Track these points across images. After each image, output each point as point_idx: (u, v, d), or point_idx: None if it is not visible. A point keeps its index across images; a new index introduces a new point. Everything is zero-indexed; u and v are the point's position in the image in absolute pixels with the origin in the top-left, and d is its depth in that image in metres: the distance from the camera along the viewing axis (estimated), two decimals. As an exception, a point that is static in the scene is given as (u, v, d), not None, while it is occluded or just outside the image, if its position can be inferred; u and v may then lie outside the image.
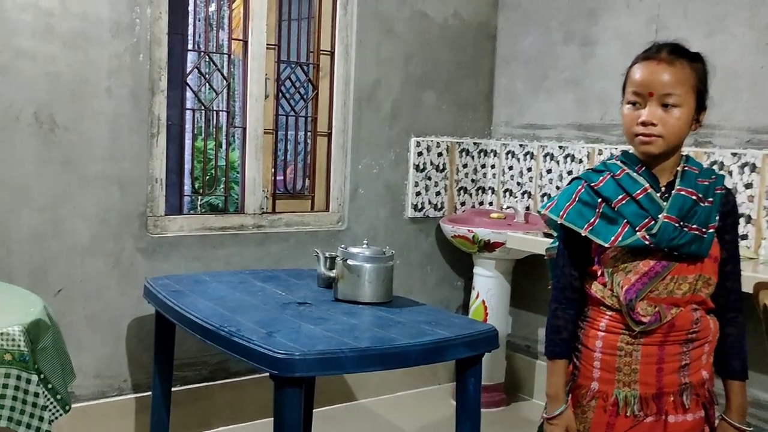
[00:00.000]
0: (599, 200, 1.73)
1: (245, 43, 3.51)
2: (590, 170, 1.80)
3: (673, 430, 1.69)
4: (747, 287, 2.29)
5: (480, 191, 4.19)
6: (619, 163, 1.76)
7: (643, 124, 1.65)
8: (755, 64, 3.01)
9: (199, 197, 5.94)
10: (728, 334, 1.76)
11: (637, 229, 1.68)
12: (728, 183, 1.82)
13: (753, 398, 2.80)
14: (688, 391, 1.71)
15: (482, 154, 4.17)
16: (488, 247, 3.64)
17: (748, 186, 3.03)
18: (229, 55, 3.94)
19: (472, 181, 4.15)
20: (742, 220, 3.00)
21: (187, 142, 4.81)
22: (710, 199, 1.71)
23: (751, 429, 1.77)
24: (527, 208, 3.90)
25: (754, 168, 3.01)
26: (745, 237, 3.01)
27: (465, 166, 4.11)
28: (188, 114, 4.69)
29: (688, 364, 1.70)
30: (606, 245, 1.69)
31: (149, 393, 3.01)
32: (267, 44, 3.55)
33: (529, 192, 3.97)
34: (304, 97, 3.87)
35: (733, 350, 1.77)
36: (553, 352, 1.80)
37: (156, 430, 2.92)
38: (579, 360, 1.78)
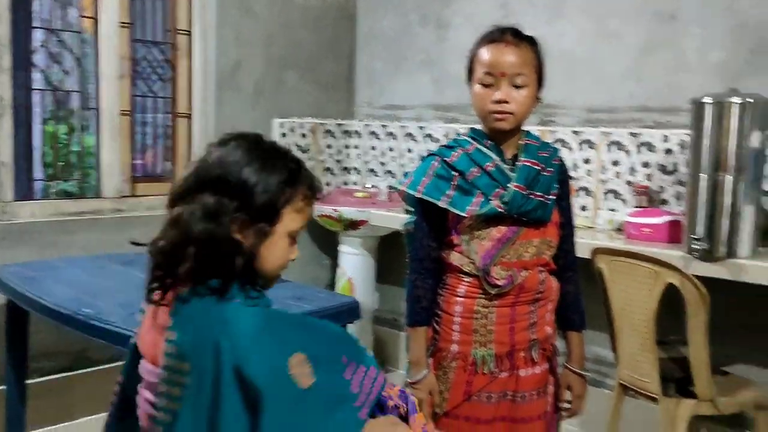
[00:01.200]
0: (454, 174, 1.84)
1: (96, 20, 3.38)
2: (443, 146, 1.91)
3: (524, 383, 1.85)
4: (586, 253, 2.53)
5: (344, 171, 4.27)
6: (469, 138, 1.87)
7: (498, 102, 1.77)
8: (591, 50, 3.27)
9: (53, 183, 5.63)
10: (568, 291, 1.93)
11: (490, 198, 1.80)
12: (568, 158, 1.99)
13: (593, 354, 3.07)
14: (535, 346, 1.87)
15: (345, 134, 4.24)
16: (353, 225, 3.73)
17: (587, 161, 3.29)
18: (80, 33, 3.77)
19: (337, 161, 4.22)
20: (582, 192, 3.26)
21: (39, 126, 4.54)
22: (550, 169, 1.87)
23: (588, 373, 1.98)
24: (390, 187, 4.01)
25: (591, 144, 3.28)
26: (584, 208, 3.27)
27: (329, 146, 4.17)
28: (37, 96, 4.42)
29: (535, 322, 1.86)
30: (464, 215, 1.81)
31: (3, 387, 2.87)
32: (120, 22, 3.44)
33: (392, 171, 4.09)
34: (162, 77, 3.78)
35: (572, 306, 1.95)
36: (414, 321, 1.89)
37: (12, 425, 2.79)
38: (439, 325, 1.88)
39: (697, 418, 2.52)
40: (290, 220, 1.27)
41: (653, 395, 2.52)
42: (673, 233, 2.74)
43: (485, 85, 1.79)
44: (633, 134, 3.15)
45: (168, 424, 1.16)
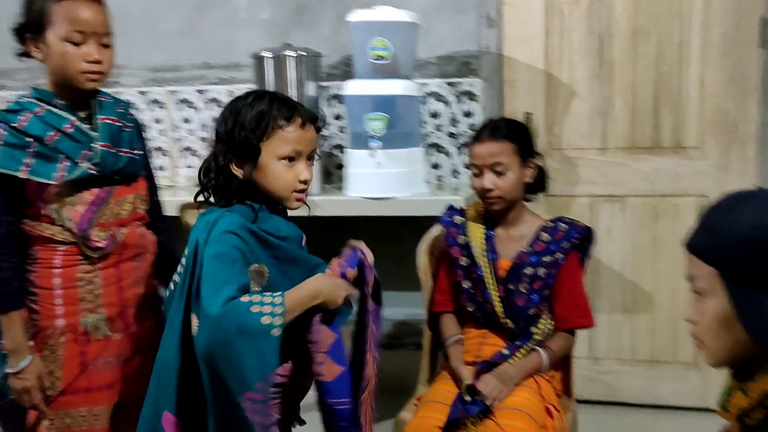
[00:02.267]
0: (28, 140, 1.68)
1: None
2: (4, 111, 1.72)
3: (139, 339, 1.82)
4: (173, 211, 2.55)
5: None
6: (34, 100, 1.72)
7: (95, 62, 1.68)
8: (146, 8, 3.23)
9: None
10: (162, 241, 1.93)
11: (78, 161, 1.70)
12: (139, 118, 1.99)
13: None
14: (144, 300, 1.84)
15: None
16: None
17: (158, 121, 3.28)
18: None
19: None
20: (157, 153, 3.25)
21: None
22: (129, 124, 1.84)
23: None
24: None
25: (160, 104, 3.27)
26: (161, 168, 3.27)
27: None
28: None
29: (142, 277, 1.83)
30: (52, 182, 1.67)
31: None
32: None
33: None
34: None
35: (168, 255, 1.96)
36: (6, 306, 1.70)
37: None
38: (37, 303, 1.73)
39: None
40: (276, 147, 1.51)
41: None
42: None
43: (74, 43, 1.67)
44: (199, 91, 3.24)
45: (169, 298, 1.58)
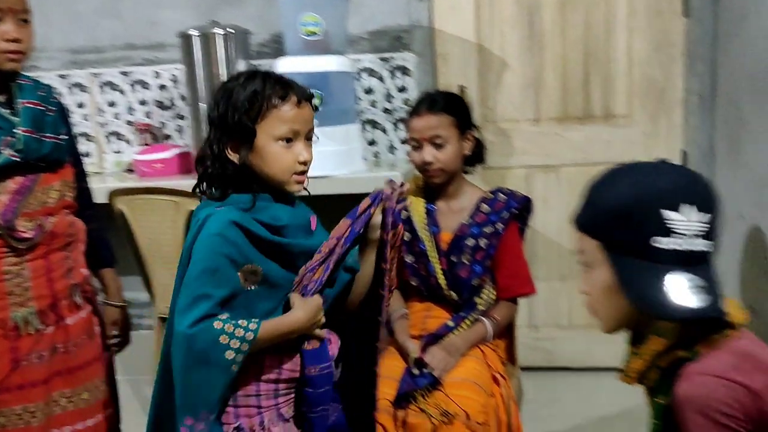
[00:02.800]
0: None
1: None
2: None
3: (73, 331, 1.75)
4: (103, 198, 2.47)
5: None
6: None
7: (14, 40, 1.59)
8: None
9: None
10: (92, 229, 1.86)
11: (0, 149, 1.61)
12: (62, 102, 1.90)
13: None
14: (76, 291, 1.78)
15: None
16: None
17: (81, 105, 3.15)
18: None
19: None
20: (82, 139, 3.12)
21: None
22: (53, 108, 1.75)
23: (126, 304, 1.99)
24: None
25: (82, 87, 3.14)
26: (88, 154, 3.15)
27: None
28: None
29: (72, 267, 1.76)
30: None
31: None
32: None
33: None
34: None
35: (99, 242, 1.90)
36: None
37: None
38: (-39, 299, 1.65)
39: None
40: (272, 127, 1.42)
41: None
42: (185, 164, 2.85)
43: None
44: (124, 73, 3.12)
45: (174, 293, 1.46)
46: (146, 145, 3.03)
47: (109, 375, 1.90)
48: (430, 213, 2.05)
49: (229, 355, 1.32)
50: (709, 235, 1.06)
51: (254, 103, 1.41)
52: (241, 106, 1.41)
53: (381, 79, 2.98)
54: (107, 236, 1.97)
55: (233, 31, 2.66)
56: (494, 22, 2.88)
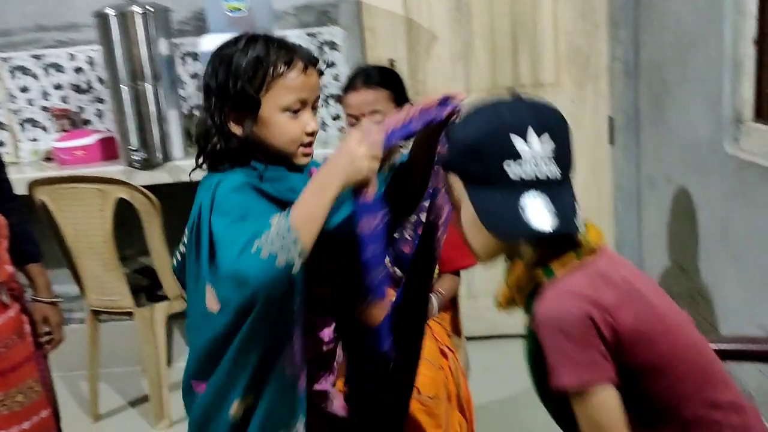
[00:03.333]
0: None
1: None
2: None
3: (1, 332, 1.66)
4: (22, 189, 2.34)
5: None
6: None
7: None
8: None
9: None
10: (14, 223, 1.76)
11: None
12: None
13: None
14: (2, 289, 1.68)
15: None
16: None
17: (-8, 92, 2.98)
18: None
19: None
20: (-5, 128, 2.96)
21: None
22: None
23: (61, 299, 1.90)
24: None
25: (-8, 73, 2.97)
26: (1, 144, 2.99)
27: None
28: None
29: None
30: None
31: None
32: None
33: None
34: None
35: (23, 237, 1.80)
36: None
37: None
38: None
39: (171, 317, 2.66)
40: (277, 96, 1.29)
41: (128, 310, 2.55)
42: (108, 150, 2.73)
43: None
44: (36, 56, 2.95)
45: (179, 267, 1.40)
46: (65, 131, 2.89)
47: (44, 374, 1.81)
48: (369, 189, 2.02)
49: (281, 261, 1.14)
50: (558, 160, 1.09)
51: (258, 71, 1.28)
52: (243, 74, 1.28)
53: (309, 55, 2.91)
54: (31, 230, 1.87)
55: (152, 8, 2.55)
56: (421, -7, 2.86)
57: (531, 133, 1.08)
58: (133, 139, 2.57)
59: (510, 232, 1.09)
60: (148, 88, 2.55)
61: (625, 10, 2.79)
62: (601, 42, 2.85)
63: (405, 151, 1.47)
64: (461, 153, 1.14)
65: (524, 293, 1.16)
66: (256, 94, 1.28)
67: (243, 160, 1.32)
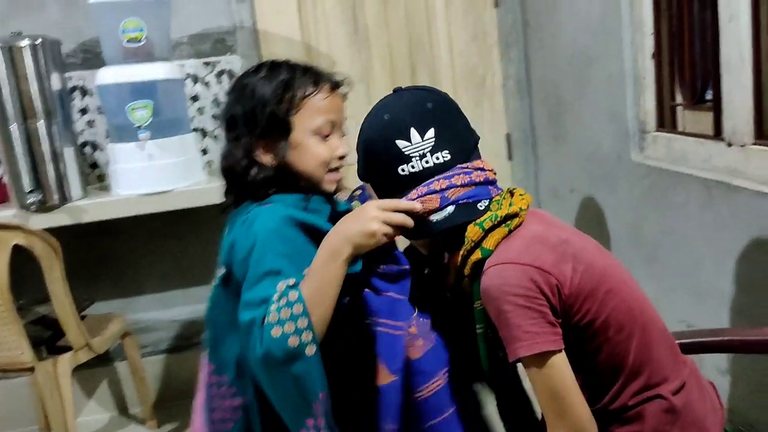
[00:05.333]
0: None
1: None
2: None
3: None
4: None
5: None
6: None
7: None
8: None
9: None
10: None
11: None
12: None
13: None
14: None
15: None
16: None
17: None
18: None
19: None
20: None
21: None
22: None
23: None
24: None
25: None
26: None
27: None
28: None
29: None
30: None
31: None
32: None
33: None
34: None
35: None
36: None
37: None
38: None
39: (76, 368, 2.47)
40: (307, 119, 1.26)
41: (28, 366, 2.35)
42: (-3, 193, 2.52)
43: None
44: None
45: (210, 307, 1.31)
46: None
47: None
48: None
49: (293, 342, 1.07)
50: (443, 142, 1.14)
51: (285, 94, 1.25)
52: (271, 99, 1.24)
53: (207, 84, 2.84)
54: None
55: (41, 41, 2.38)
56: (318, 19, 2.87)
57: (414, 134, 1.14)
58: (27, 181, 2.38)
59: (418, 235, 1.15)
60: (41, 125, 2.38)
61: (515, 31, 2.93)
62: (494, 62, 2.97)
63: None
64: (361, 164, 1.20)
65: (468, 278, 1.15)
66: (286, 117, 1.26)
67: (280, 188, 1.27)
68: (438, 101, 1.18)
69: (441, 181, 1.13)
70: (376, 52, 2.91)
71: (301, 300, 1.08)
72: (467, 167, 1.15)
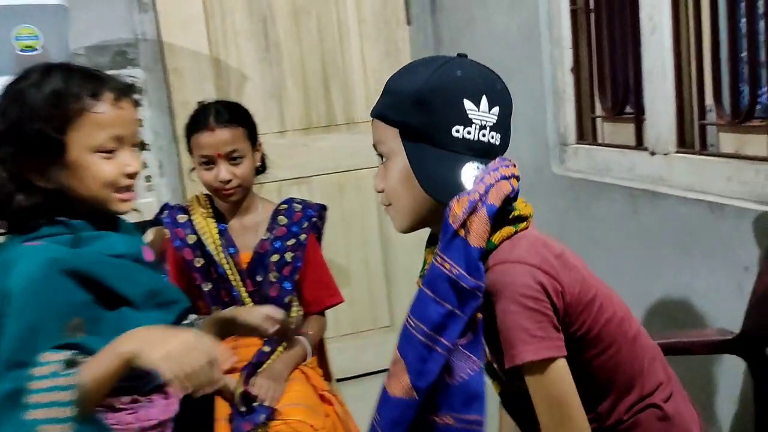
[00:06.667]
0: None
1: None
2: None
3: None
4: None
5: None
6: None
7: None
8: None
9: None
10: None
11: None
12: None
13: None
14: None
15: None
16: None
17: None
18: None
19: None
20: None
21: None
22: None
23: None
24: None
25: None
26: None
27: None
28: None
29: None
30: None
31: None
32: None
33: None
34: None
35: None
36: None
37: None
38: None
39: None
40: (85, 136, 1.11)
41: None
42: None
43: None
44: None
45: None
46: None
47: None
48: (223, 233, 1.87)
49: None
50: (498, 127, 1.09)
51: (58, 107, 1.09)
52: (40, 112, 1.08)
53: (107, 99, 2.66)
54: None
55: None
56: (227, 33, 2.76)
57: (484, 102, 1.06)
58: None
59: (449, 198, 1.05)
60: None
61: (427, 48, 2.93)
62: (407, 79, 2.95)
63: None
64: (405, 104, 1.08)
65: None
66: (59, 135, 1.09)
67: (48, 215, 1.12)
68: (506, 89, 1.11)
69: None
70: (288, 68, 2.83)
71: (69, 383, 0.97)
72: (510, 163, 1.10)
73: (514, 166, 1.10)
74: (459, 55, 1.12)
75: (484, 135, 1.06)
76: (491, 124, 1.07)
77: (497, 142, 1.08)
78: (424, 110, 1.05)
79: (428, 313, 1.04)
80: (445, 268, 1.03)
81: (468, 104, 1.05)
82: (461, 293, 1.02)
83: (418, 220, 1.13)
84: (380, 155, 1.14)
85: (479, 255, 1.03)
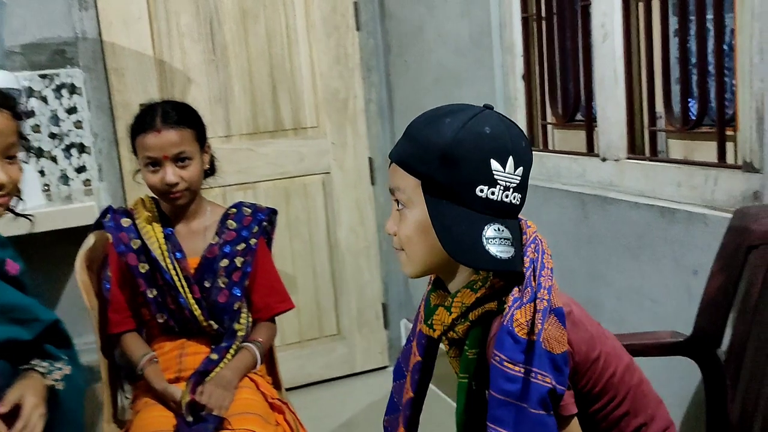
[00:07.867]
0: None
1: None
2: None
3: None
4: None
5: None
6: None
7: None
8: None
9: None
10: None
11: None
12: None
13: None
14: None
15: None
16: None
17: None
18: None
19: None
20: None
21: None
22: None
23: None
24: None
25: None
26: None
27: None
28: None
29: None
30: None
31: None
32: None
33: None
34: None
35: None
36: None
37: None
38: None
39: None
40: None
41: None
42: None
43: None
44: None
45: None
46: None
47: None
48: (169, 238, 1.81)
49: None
50: (520, 188, 1.08)
51: None
52: None
53: (44, 99, 2.55)
54: None
55: None
56: (172, 34, 2.69)
57: (510, 163, 1.04)
58: None
59: (472, 258, 1.04)
60: None
61: (376, 55, 2.92)
62: (356, 85, 2.93)
63: None
64: (430, 157, 1.05)
65: (469, 323, 1.11)
66: None
67: None
68: (529, 147, 1.10)
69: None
70: (234, 72, 2.77)
71: None
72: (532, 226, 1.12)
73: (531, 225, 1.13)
74: (485, 106, 1.10)
75: (507, 196, 1.05)
76: (515, 185, 1.06)
77: (518, 203, 1.07)
78: (451, 167, 1.04)
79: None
80: (538, 379, 1.02)
81: (495, 164, 1.04)
82: (556, 401, 1.04)
83: (429, 269, 1.14)
84: (396, 201, 1.13)
85: (564, 361, 1.04)
